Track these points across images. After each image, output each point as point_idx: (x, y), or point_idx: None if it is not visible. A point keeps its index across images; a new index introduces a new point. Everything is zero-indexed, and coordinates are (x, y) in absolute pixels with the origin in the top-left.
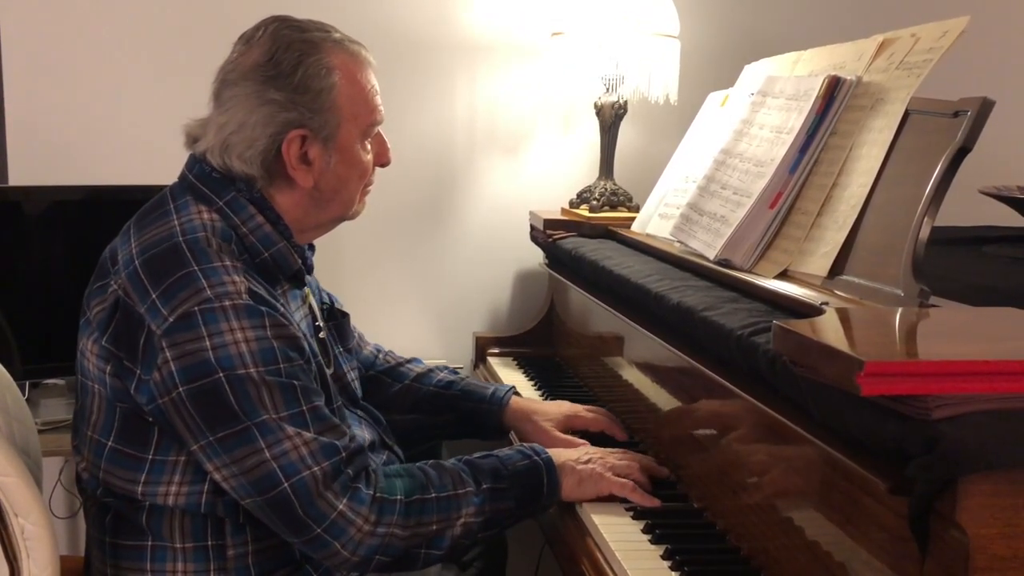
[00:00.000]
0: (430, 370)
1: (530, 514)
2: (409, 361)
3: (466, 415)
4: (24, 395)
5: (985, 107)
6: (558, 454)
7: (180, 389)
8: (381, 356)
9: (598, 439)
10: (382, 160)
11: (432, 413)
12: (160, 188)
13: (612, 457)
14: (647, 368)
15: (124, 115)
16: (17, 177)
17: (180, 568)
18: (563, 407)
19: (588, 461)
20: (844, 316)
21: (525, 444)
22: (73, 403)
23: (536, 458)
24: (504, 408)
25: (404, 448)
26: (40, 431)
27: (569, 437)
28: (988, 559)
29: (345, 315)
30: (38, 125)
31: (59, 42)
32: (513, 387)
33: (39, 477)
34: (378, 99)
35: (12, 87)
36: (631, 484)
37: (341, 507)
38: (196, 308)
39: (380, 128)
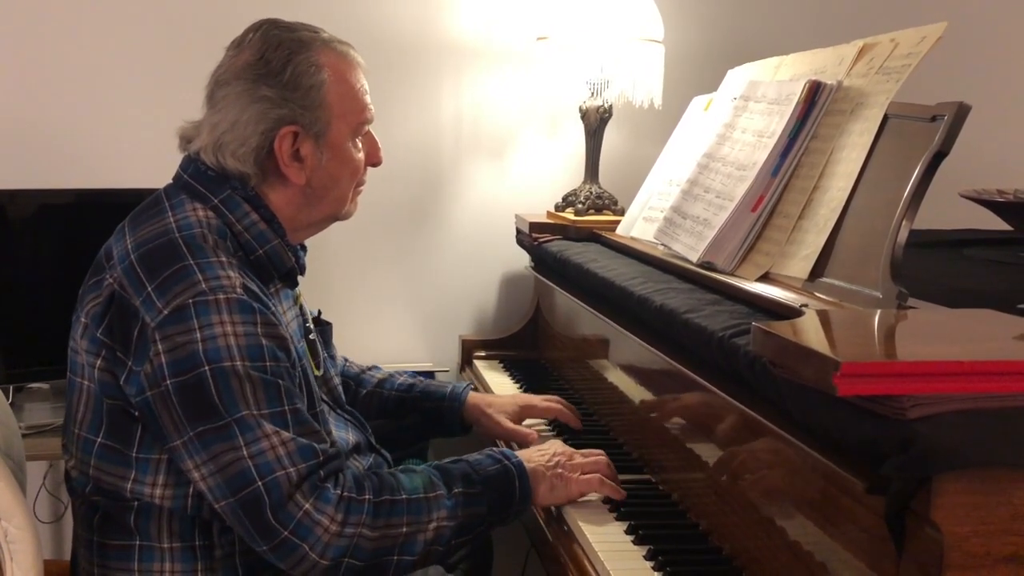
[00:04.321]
0: (390, 375)
1: (502, 520)
2: (370, 368)
3: (429, 414)
4: (8, 399)
5: (961, 112)
6: (527, 458)
7: (168, 382)
8: (347, 363)
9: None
10: (373, 160)
11: (397, 416)
12: (147, 191)
13: (578, 457)
14: (631, 370)
15: (111, 118)
16: (1, 180)
17: (167, 568)
18: (517, 398)
19: (555, 465)
20: (823, 318)
21: (495, 449)
22: (58, 407)
23: (507, 463)
24: (464, 404)
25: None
26: (24, 435)
27: (519, 428)
28: (962, 556)
29: (328, 324)
30: (24, 127)
31: (46, 45)
32: (471, 384)
33: (23, 481)
34: (367, 98)
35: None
36: (597, 477)
37: (307, 506)
38: (190, 300)
39: (371, 128)
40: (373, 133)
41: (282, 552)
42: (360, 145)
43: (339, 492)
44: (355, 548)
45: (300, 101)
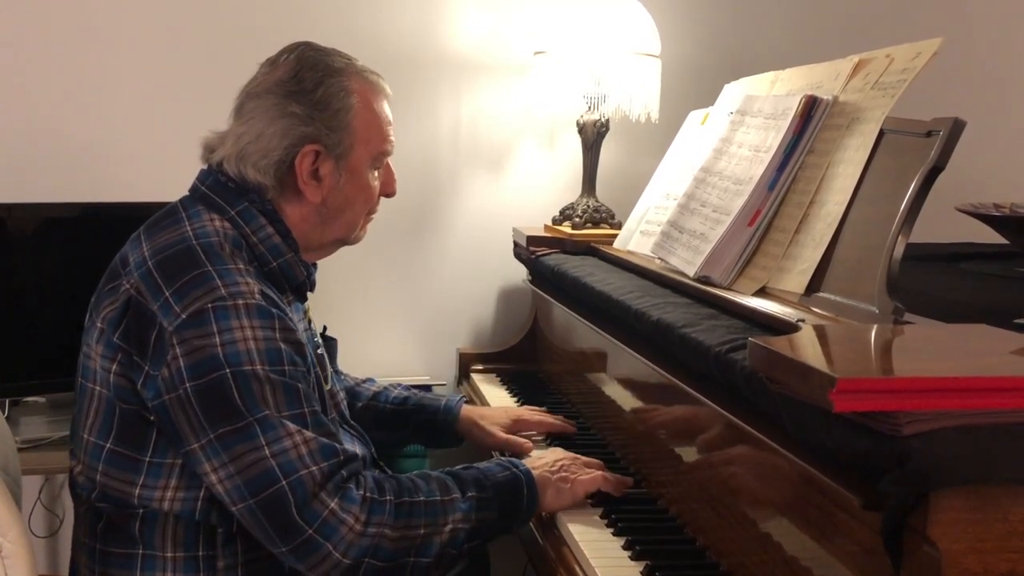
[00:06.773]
0: (385, 388)
1: (509, 526)
2: (365, 381)
3: (422, 427)
4: (4, 413)
5: (957, 127)
6: (532, 466)
7: (187, 385)
8: (343, 376)
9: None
10: (387, 190)
11: (392, 429)
12: (150, 205)
13: (580, 462)
14: (628, 384)
15: (114, 132)
16: (3, 193)
17: None
18: (509, 411)
19: (559, 469)
20: (819, 333)
21: (503, 458)
22: (55, 421)
23: (515, 470)
24: (457, 417)
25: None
26: (20, 449)
27: (513, 437)
28: (959, 573)
29: (333, 339)
30: (26, 140)
31: (49, 58)
32: (464, 396)
33: (18, 495)
34: (391, 130)
35: (1, 102)
36: (600, 476)
37: (332, 505)
38: (209, 305)
39: (389, 160)
40: (391, 165)
41: (304, 552)
42: (377, 175)
43: (362, 492)
44: (376, 548)
45: (327, 122)
